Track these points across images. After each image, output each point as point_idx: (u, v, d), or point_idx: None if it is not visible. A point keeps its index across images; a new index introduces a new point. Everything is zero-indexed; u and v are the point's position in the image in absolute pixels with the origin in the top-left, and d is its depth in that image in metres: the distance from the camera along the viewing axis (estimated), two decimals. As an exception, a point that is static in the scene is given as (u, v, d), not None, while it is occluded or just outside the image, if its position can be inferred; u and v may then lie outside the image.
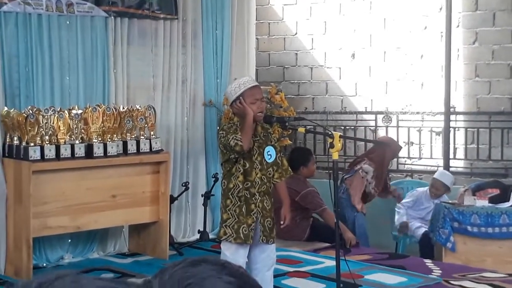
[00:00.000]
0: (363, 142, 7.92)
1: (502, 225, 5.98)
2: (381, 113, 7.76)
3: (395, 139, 7.55)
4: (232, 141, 4.16)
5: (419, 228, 6.66)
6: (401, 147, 7.08)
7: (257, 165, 4.30)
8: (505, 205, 6.08)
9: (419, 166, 7.46)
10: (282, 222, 4.45)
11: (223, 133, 4.25)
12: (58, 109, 5.42)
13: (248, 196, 4.30)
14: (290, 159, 6.51)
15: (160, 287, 1.07)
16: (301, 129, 4.61)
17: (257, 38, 7.94)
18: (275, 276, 5.12)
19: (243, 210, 4.29)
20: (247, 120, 4.20)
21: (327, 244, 6.18)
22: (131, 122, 5.70)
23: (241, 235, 4.27)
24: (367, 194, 6.65)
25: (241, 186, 4.29)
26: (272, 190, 4.44)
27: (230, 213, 4.31)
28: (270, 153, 4.34)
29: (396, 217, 6.74)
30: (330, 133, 4.07)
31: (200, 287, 1.06)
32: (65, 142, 5.34)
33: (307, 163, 6.40)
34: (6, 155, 5.39)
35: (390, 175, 7.17)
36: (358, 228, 6.46)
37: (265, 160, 4.32)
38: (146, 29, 6.45)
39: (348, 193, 6.58)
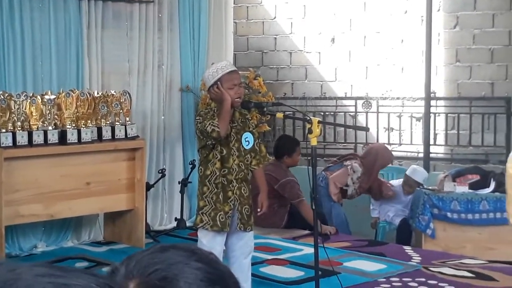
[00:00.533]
0: (343, 128, 7.98)
1: (482, 211, 6.07)
2: (361, 98, 7.81)
3: (376, 127, 7.62)
4: (209, 127, 4.17)
5: (398, 215, 6.75)
6: (392, 157, 7.04)
7: (234, 151, 4.32)
8: (485, 191, 6.16)
9: (399, 152, 7.54)
10: (259, 210, 4.48)
11: (199, 119, 4.26)
12: (31, 94, 5.40)
13: (225, 183, 4.32)
14: (276, 146, 6.58)
15: (127, 274, 1.07)
16: (280, 115, 4.63)
17: (235, 22, 7.94)
18: (253, 264, 5.17)
19: (220, 197, 4.32)
20: (225, 105, 4.21)
21: (306, 232, 6.23)
22: (105, 108, 5.69)
23: (218, 223, 4.30)
24: (346, 193, 6.69)
25: (218, 173, 4.31)
26: (249, 177, 4.46)
27: (207, 200, 4.33)
28: (248, 139, 4.36)
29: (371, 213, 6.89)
30: (308, 118, 4.09)
31: (167, 273, 1.05)
32: (37, 128, 5.32)
33: (291, 153, 6.44)
34: (-23, 141, 5.36)
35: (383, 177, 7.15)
36: (336, 218, 6.52)
37: (242, 146, 4.34)
38: (121, 12, 6.43)
39: (326, 182, 6.63)
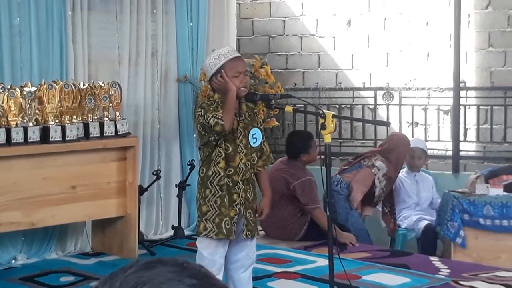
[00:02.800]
0: (361, 123, 8.00)
1: (519, 217, 6.08)
2: (381, 89, 7.82)
3: (398, 121, 7.63)
4: (212, 119, 4.19)
5: (420, 220, 6.76)
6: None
7: (241, 148, 4.34)
8: (523, 194, 6.18)
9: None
10: (257, 215, 4.49)
11: (201, 111, 4.27)
12: (8, 86, 5.42)
13: (231, 184, 4.34)
14: (289, 145, 6.59)
15: None
16: (289, 108, 4.66)
17: (238, 3, 7.97)
18: (260, 277, 5.21)
19: (225, 201, 4.34)
20: (230, 96, 4.23)
21: (319, 241, 6.23)
22: (93, 101, 5.72)
23: (224, 230, 4.32)
24: (373, 195, 6.69)
25: (222, 173, 4.33)
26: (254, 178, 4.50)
27: (210, 204, 4.35)
28: (255, 136, 4.38)
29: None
30: (321, 112, 4.10)
31: None
32: (16, 124, 5.35)
33: (308, 149, 6.44)
34: None
35: None
36: (354, 226, 6.52)
37: (249, 143, 4.36)
38: (109, -8, 6.46)
39: (342, 186, 6.62)
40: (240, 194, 4.36)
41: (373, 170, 6.63)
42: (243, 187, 4.37)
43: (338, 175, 6.71)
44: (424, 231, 6.66)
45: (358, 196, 6.61)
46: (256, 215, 4.49)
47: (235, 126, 4.31)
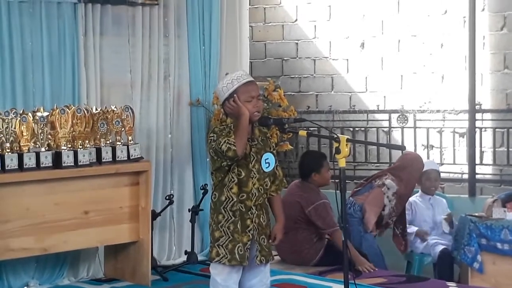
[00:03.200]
0: (375, 147, 7.97)
1: (538, 241, 6.03)
2: (395, 111, 7.81)
3: (413, 144, 7.60)
4: (224, 145, 4.19)
5: (436, 244, 6.71)
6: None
7: (254, 173, 4.33)
8: (541, 217, 6.12)
9: (440, 174, 7.49)
10: (270, 241, 4.47)
11: (213, 137, 4.28)
12: (21, 111, 5.43)
13: (244, 210, 4.33)
14: (301, 165, 6.58)
15: None
16: (302, 132, 4.64)
17: (251, 26, 7.98)
18: (275, 303, 5.16)
19: (238, 226, 4.32)
20: (242, 120, 4.22)
21: (333, 266, 6.18)
22: (105, 126, 5.72)
23: (237, 256, 4.30)
24: (382, 220, 6.64)
25: (235, 199, 4.32)
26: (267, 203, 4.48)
27: (223, 230, 4.33)
28: (268, 160, 4.37)
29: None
30: (336, 136, 4.09)
31: None
32: (28, 150, 5.35)
33: (319, 168, 6.39)
34: (-40, 165, 5.40)
35: None
36: (368, 250, 6.46)
37: (262, 168, 4.35)
38: (121, 16, 6.47)
39: (355, 209, 6.58)
40: (253, 220, 4.34)
41: (382, 189, 6.61)
42: (256, 212, 4.35)
43: (351, 198, 6.68)
44: (440, 256, 6.61)
45: (372, 218, 6.56)
46: (270, 240, 4.47)
47: (248, 151, 4.30)
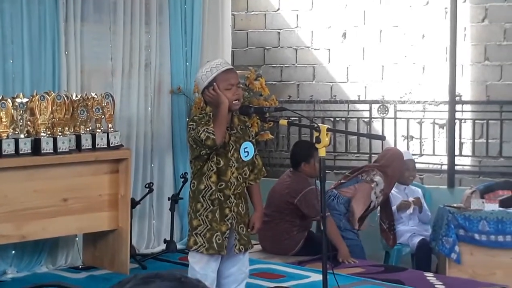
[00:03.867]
0: (356, 137, 8.00)
1: (515, 232, 6.08)
2: (376, 102, 7.84)
3: (394, 135, 7.64)
4: (203, 133, 4.19)
5: (415, 235, 6.76)
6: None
7: (233, 162, 4.35)
8: (518, 209, 6.18)
9: (420, 164, 7.55)
10: (249, 230, 4.50)
11: (192, 125, 4.28)
12: (0, 97, 5.42)
13: (222, 199, 4.35)
14: (292, 154, 6.61)
15: None
16: (283, 122, 4.67)
17: (233, 15, 7.98)
18: (253, 292, 5.19)
19: (217, 215, 4.34)
20: (221, 109, 4.24)
21: (313, 256, 6.21)
22: (85, 113, 5.71)
23: (214, 245, 4.32)
24: (366, 212, 6.66)
25: (214, 188, 4.33)
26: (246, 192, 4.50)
27: (201, 219, 4.35)
28: (247, 149, 4.39)
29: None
30: (316, 125, 4.11)
31: None
32: (7, 136, 5.34)
33: (309, 158, 6.36)
34: None
35: None
36: (349, 241, 6.45)
37: (241, 157, 4.37)
38: (103, 3, 6.46)
39: (344, 201, 6.55)
40: (232, 209, 4.37)
41: (372, 185, 6.58)
42: (235, 201, 4.38)
43: (334, 190, 6.66)
44: (419, 247, 6.66)
45: (357, 215, 6.53)
46: (248, 229, 4.49)
47: (227, 139, 4.32)
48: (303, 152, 6.46)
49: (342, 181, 6.81)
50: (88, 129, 5.74)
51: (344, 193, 6.63)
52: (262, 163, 4.65)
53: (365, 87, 7.99)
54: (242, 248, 4.41)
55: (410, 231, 6.83)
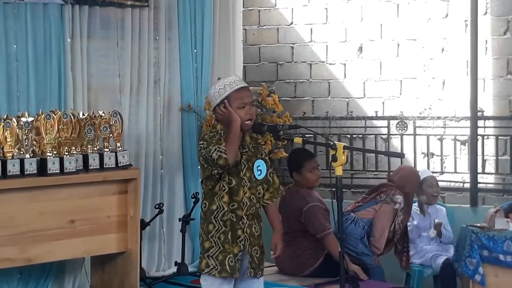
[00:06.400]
0: (374, 154, 7.98)
1: (542, 252, 6.05)
2: (394, 118, 7.82)
3: (413, 152, 7.61)
4: (215, 153, 4.20)
5: (438, 256, 6.72)
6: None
7: (245, 182, 4.34)
8: (545, 228, 6.14)
9: (441, 182, 7.51)
10: (272, 252, 4.48)
11: (204, 144, 4.29)
12: (4, 117, 5.43)
13: (235, 220, 4.34)
14: (287, 163, 6.58)
15: None
16: (298, 139, 4.65)
17: (244, 29, 8.00)
18: (268, 317, 5.16)
19: (229, 237, 4.33)
20: (233, 128, 4.24)
21: (330, 278, 6.16)
22: (92, 132, 5.71)
23: (227, 267, 4.31)
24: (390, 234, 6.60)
25: (226, 208, 4.33)
26: (261, 212, 4.48)
27: (214, 240, 4.34)
28: (260, 168, 4.38)
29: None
30: (332, 143, 4.10)
31: None
32: (12, 156, 5.34)
33: (299, 168, 6.29)
34: None
35: None
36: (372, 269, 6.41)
37: (254, 176, 4.36)
38: (110, 18, 6.48)
39: (365, 224, 6.48)
40: (245, 230, 4.35)
41: (395, 206, 6.51)
42: (248, 222, 4.36)
43: (352, 213, 6.59)
44: (443, 268, 6.62)
45: (382, 241, 6.44)
46: (271, 252, 4.48)
47: (239, 158, 4.31)
48: (294, 161, 6.44)
49: (359, 204, 6.73)
50: (95, 149, 5.74)
51: (363, 215, 6.57)
52: (279, 182, 4.63)
53: (383, 102, 7.98)
54: (252, 272, 4.38)
55: (432, 251, 6.79)
